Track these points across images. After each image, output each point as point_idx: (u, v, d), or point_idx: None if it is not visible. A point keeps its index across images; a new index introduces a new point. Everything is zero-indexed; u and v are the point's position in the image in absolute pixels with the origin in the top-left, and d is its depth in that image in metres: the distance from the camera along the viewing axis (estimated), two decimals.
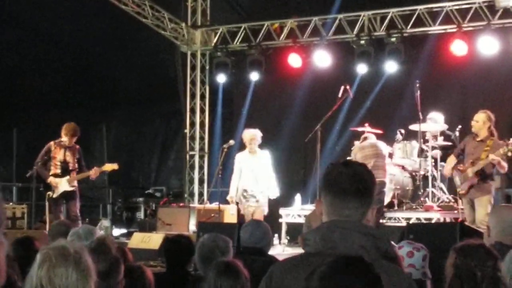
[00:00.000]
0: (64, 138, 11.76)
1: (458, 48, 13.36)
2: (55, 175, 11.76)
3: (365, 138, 12.34)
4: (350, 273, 2.42)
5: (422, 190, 12.41)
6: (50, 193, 11.74)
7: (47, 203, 11.85)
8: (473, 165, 10.30)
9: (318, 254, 2.78)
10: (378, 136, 12.73)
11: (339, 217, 2.86)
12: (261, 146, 12.32)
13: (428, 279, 4.81)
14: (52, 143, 11.84)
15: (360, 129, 12.82)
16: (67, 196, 11.77)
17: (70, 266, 3.10)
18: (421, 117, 12.26)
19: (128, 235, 13.59)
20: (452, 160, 10.81)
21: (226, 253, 5.35)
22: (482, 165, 10.19)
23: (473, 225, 9.51)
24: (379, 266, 2.73)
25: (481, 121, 10.36)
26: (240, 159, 12.19)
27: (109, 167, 12.11)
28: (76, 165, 11.85)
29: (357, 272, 2.43)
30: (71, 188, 11.77)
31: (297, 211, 13.29)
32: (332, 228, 2.81)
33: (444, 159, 12.31)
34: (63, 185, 11.73)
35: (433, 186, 12.41)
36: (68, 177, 11.74)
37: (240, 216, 12.01)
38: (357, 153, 11.88)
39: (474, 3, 13.39)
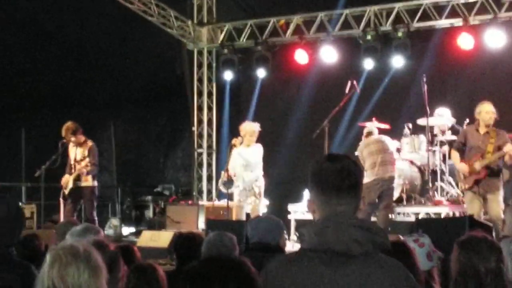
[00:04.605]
0: (67, 139, 11.81)
1: (464, 42, 13.32)
2: (70, 174, 11.83)
3: (369, 133, 12.23)
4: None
5: (430, 185, 12.35)
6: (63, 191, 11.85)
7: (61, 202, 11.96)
8: (482, 158, 10.04)
9: (313, 250, 2.77)
10: (386, 131, 12.69)
11: (334, 213, 2.84)
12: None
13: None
14: (70, 144, 11.91)
15: (367, 124, 12.76)
16: (75, 194, 11.82)
17: (82, 264, 3.11)
18: (428, 111, 12.20)
19: (137, 233, 13.60)
20: (457, 155, 10.47)
21: (232, 251, 5.33)
22: (494, 158, 9.95)
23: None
24: (375, 259, 2.72)
25: (494, 111, 10.05)
26: (236, 148, 11.94)
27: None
28: (88, 163, 11.83)
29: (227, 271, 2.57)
30: (80, 185, 11.80)
31: (306, 207, 13.25)
32: (326, 223, 2.79)
33: None
34: (69, 183, 11.79)
35: (442, 180, 12.38)
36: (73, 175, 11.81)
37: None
38: (363, 149, 11.74)
39: None
